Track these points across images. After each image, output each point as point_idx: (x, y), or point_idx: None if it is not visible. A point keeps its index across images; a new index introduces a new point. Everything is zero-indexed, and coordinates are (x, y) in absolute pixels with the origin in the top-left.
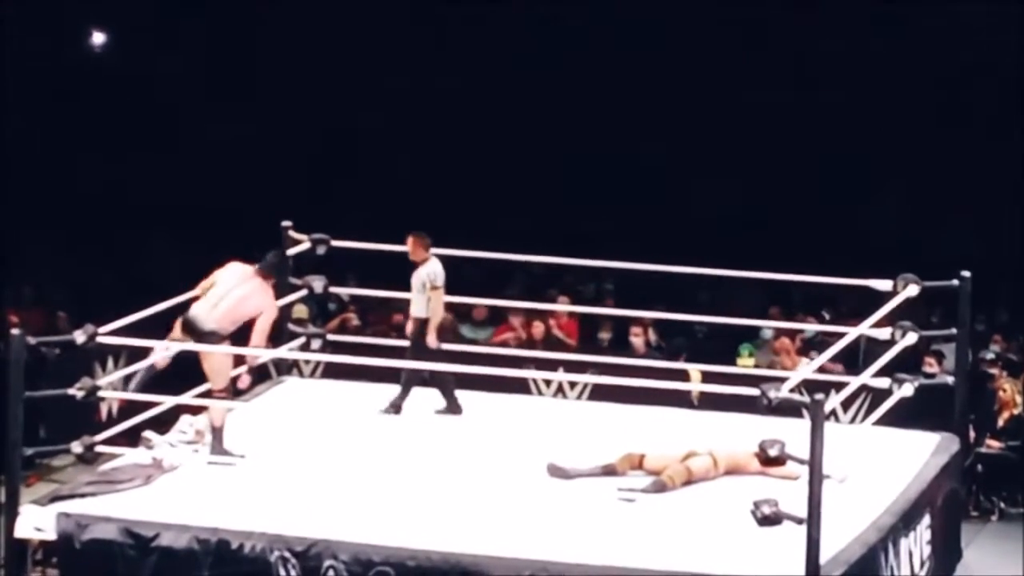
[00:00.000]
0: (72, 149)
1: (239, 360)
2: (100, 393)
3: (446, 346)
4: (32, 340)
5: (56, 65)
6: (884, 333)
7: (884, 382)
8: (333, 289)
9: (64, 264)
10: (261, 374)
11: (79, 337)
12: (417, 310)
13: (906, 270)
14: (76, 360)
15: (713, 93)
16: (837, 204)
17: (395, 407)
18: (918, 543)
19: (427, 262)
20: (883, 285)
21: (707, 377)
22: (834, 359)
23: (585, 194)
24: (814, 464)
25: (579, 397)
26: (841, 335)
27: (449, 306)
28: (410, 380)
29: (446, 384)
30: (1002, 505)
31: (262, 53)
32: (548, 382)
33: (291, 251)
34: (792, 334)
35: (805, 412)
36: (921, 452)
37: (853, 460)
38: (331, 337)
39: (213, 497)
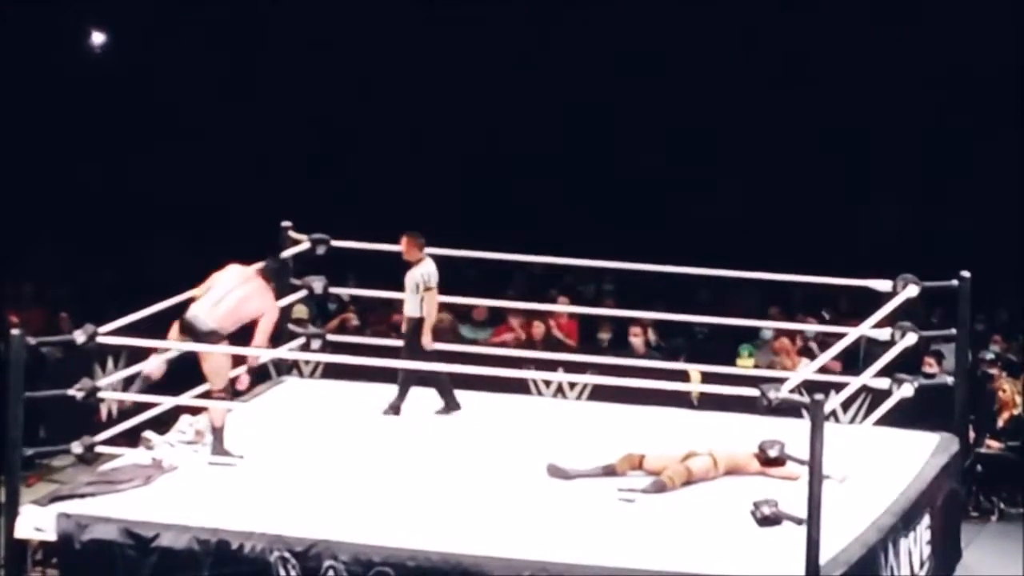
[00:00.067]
0: (72, 149)
1: (238, 361)
2: (100, 394)
3: (444, 346)
4: (32, 340)
5: (56, 65)
6: (884, 333)
7: (884, 382)
8: (333, 289)
9: (65, 264)
10: (261, 374)
11: (79, 337)
12: (410, 310)
13: (906, 270)
14: (76, 360)
15: (713, 93)
16: (837, 204)
17: (394, 408)
18: (918, 543)
19: (421, 262)
20: (883, 285)
21: (707, 377)
22: (834, 359)
23: (585, 194)
24: (814, 464)
25: (579, 397)
26: (841, 335)
27: (449, 306)
28: (407, 381)
29: (441, 383)
30: (1002, 505)
31: (262, 53)
32: (548, 382)
33: (291, 251)
34: (792, 334)
35: (805, 412)
36: (921, 452)
37: (853, 460)
38: (331, 337)
39: (213, 497)
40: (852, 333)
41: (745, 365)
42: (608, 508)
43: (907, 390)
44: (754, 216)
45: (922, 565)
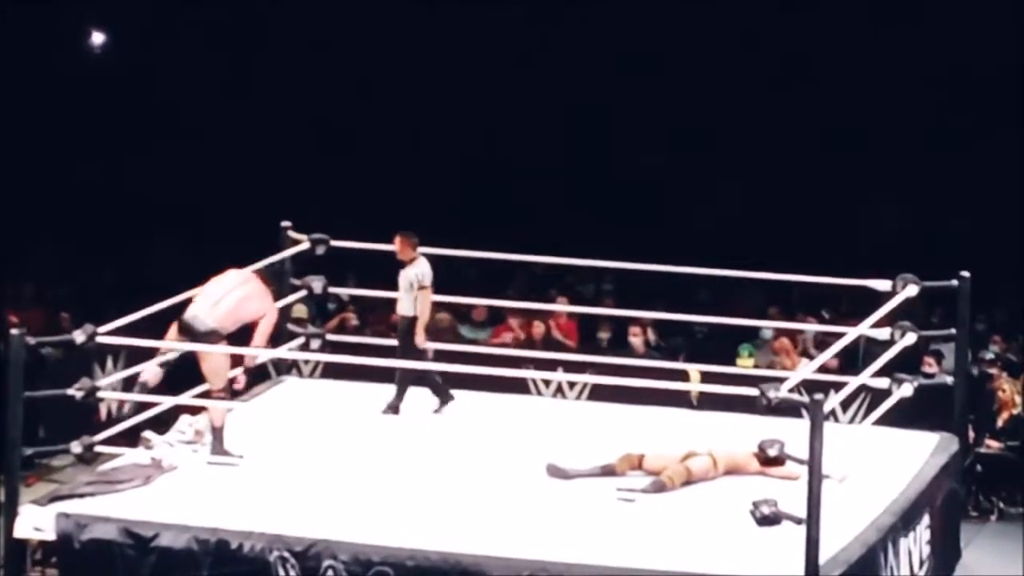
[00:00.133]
0: (72, 149)
1: (236, 361)
2: (99, 394)
3: (444, 346)
4: (32, 340)
5: (56, 65)
6: (883, 333)
7: (883, 382)
8: (332, 289)
9: (65, 264)
10: (260, 374)
11: (78, 337)
12: (404, 309)
13: (906, 270)
14: (76, 360)
15: (713, 93)
16: (836, 204)
17: (393, 408)
18: (917, 543)
19: (415, 261)
20: (882, 285)
21: (706, 377)
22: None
23: (585, 194)
24: (813, 464)
25: (578, 397)
26: (841, 335)
27: (449, 306)
28: (404, 380)
29: (431, 381)
30: (1001, 505)
31: (262, 53)
32: (547, 382)
33: (290, 251)
34: (792, 334)
35: (804, 412)
36: (920, 452)
37: (853, 460)
38: (330, 337)
39: (213, 497)
40: (852, 333)
41: (745, 365)
42: (607, 508)
43: (907, 390)
44: (754, 216)
45: (921, 565)
